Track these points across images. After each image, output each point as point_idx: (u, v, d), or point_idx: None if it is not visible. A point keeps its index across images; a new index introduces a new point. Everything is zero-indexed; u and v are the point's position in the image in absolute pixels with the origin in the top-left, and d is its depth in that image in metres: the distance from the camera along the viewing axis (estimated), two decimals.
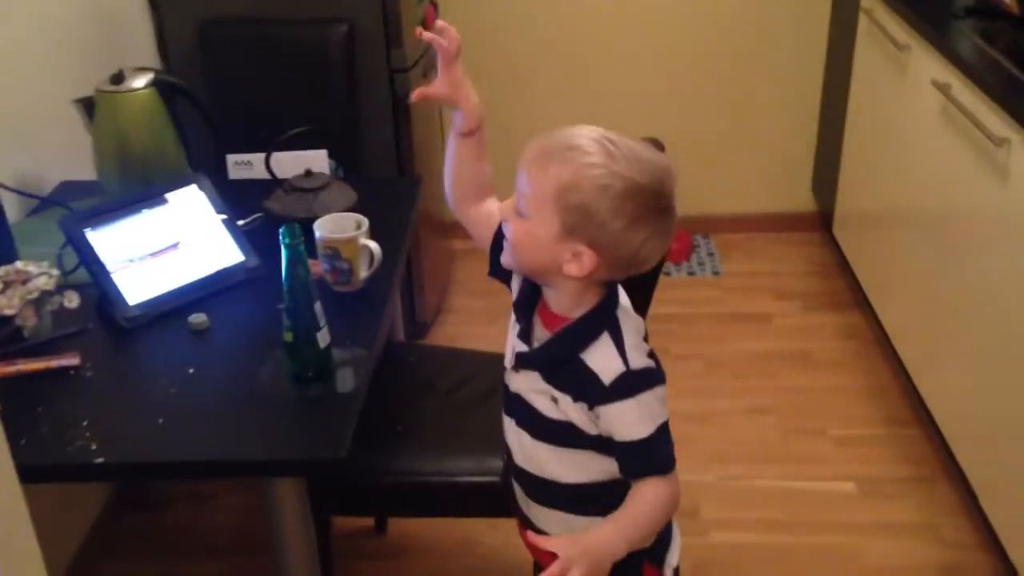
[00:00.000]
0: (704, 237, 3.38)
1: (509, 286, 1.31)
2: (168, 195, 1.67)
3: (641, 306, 1.41)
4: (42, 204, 1.89)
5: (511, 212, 1.19)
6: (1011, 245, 1.90)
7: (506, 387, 1.31)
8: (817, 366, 2.71)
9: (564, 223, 1.13)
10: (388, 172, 2.66)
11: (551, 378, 1.21)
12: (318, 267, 1.64)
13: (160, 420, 1.33)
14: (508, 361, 1.29)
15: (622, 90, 3.22)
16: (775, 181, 3.36)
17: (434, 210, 2.89)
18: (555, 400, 1.21)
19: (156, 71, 1.87)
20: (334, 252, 1.59)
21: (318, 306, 1.38)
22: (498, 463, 1.62)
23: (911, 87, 2.40)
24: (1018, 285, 1.88)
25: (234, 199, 1.79)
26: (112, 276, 1.56)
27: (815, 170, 3.31)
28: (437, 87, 1.28)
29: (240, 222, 1.74)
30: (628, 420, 1.17)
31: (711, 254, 3.30)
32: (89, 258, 1.56)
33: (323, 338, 1.40)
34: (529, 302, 1.26)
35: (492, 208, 1.31)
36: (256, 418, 1.35)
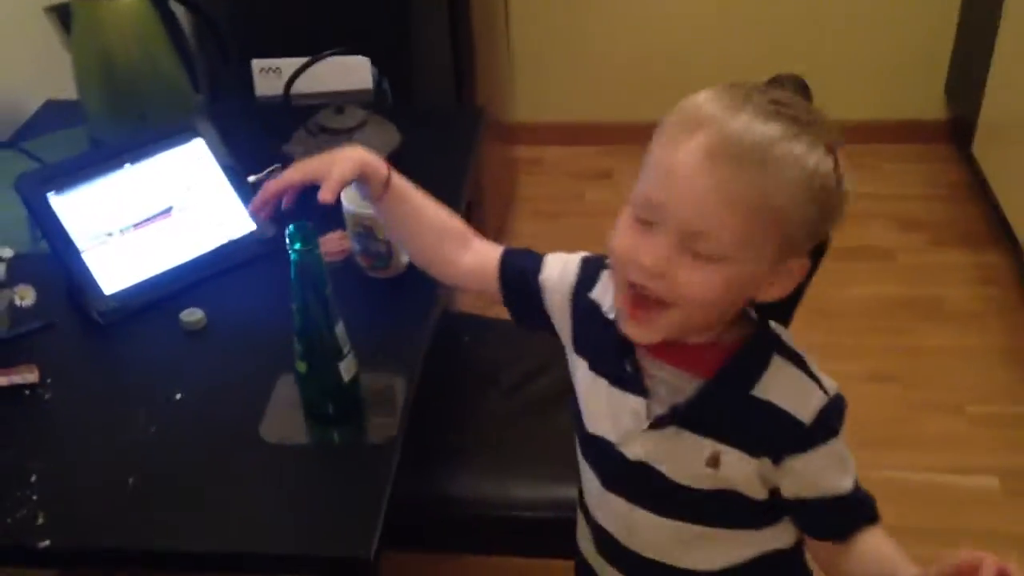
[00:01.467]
0: None
1: (547, 328, 1.00)
2: (158, 150, 1.29)
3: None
4: None
5: (676, 262, 0.81)
6: None
7: (601, 459, 0.95)
8: (949, 318, 2.28)
9: (782, 244, 0.81)
10: (443, 76, 2.24)
11: (714, 430, 0.87)
12: (345, 242, 1.26)
13: (130, 480, 1.00)
14: (611, 430, 0.93)
15: None
16: (898, 80, 2.83)
17: (494, 108, 2.47)
18: (714, 462, 0.87)
19: None
20: (368, 231, 1.21)
21: (340, 327, 1.02)
22: (573, 492, 1.28)
23: None
24: None
25: (252, 136, 1.40)
26: (83, 256, 1.20)
27: (952, 68, 2.77)
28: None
29: (251, 177, 1.36)
30: (835, 467, 0.88)
31: None
32: (53, 232, 1.20)
33: (347, 369, 1.03)
34: (608, 339, 0.90)
35: (479, 248, 1.03)
36: (256, 482, 1.01)
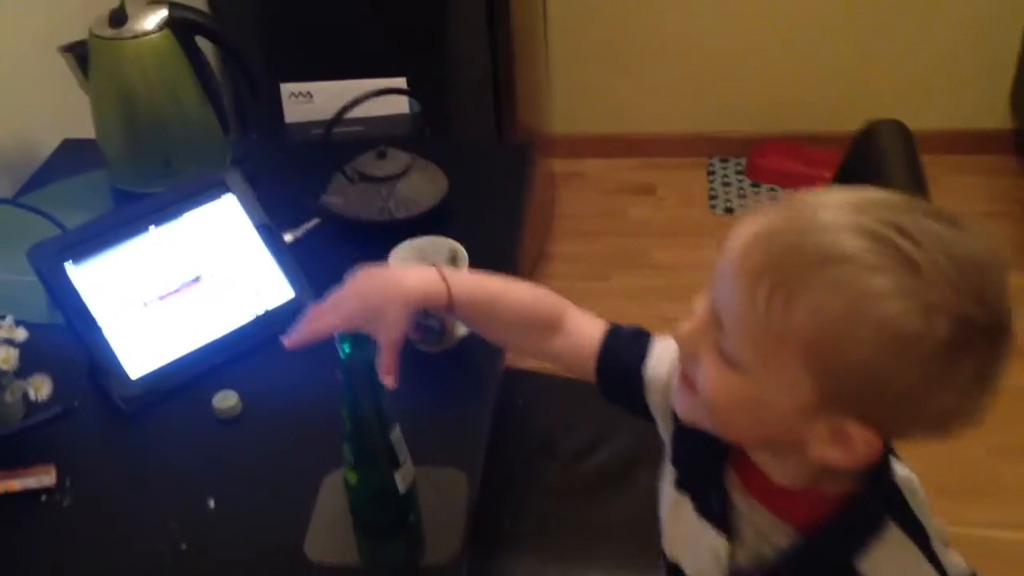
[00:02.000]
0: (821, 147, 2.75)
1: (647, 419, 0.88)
2: (185, 210, 1.16)
3: None
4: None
5: (703, 346, 0.69)
6: None
7: None
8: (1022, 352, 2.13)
9: (823, 390, 0.65)
10: (481, 89, 2.11)
11: None
12: None
13: None
14: (689, 562, 0.82)
15: None
16: (961, 87, 2.67)
17: (528, 120, 2.33)
18: None
19: (171, 2, 1.33)
20: None
21: (397, 433, 0.89)
22: None
23: None
24: None
25: (284, 181, 1.28)
26: (105, 334, 1.08)
27: (1019, 75, 2.61)
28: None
29: (288, 236, 1.24)
30: None
31: None
32: (72, 308, 1.08)
33: (403, 478, 0.91)
34: (706, 456, 0.78)
35: (574, 330, 0.92)
36: None
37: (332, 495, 0.96)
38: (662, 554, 0.88)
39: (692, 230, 2.58)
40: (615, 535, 1.24)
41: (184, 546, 0.93)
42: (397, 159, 1.32)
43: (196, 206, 1.16)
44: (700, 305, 0.71)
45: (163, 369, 1.09)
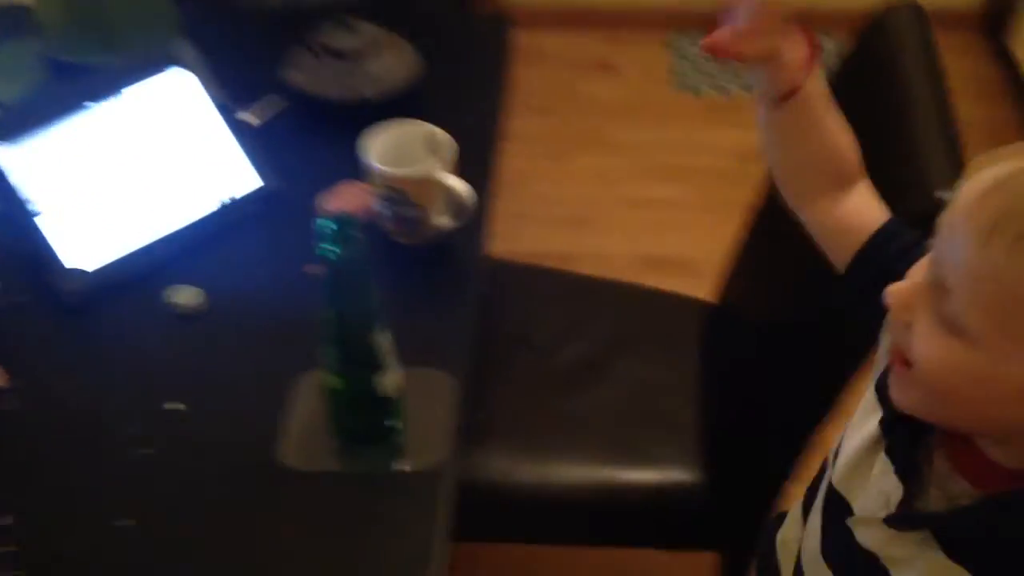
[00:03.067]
0: (827, 35, 2.68)
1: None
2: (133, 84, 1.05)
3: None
4: None
5: (920, 312, 0.62)
6: None
7: (830, 522, 0.78)
8: None
9: None
10: None
11: (971, 560, 0.66)
12: (368, 199, 1.05)
13: (121, 523, 0.82)
14: (855, 496, 0.75)
15: None
16: None
17: None
18: None
19: None
20: (401, 195, 1.00)
21: (387, 336, 0.83)
22: (614, 474, 1.15)
23: None
24: None
25: (237, 57, 1.17)
26: (44, 222, 0.99)
27: None
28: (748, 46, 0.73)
29: (251, 117, 1.13)
30: None
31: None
32: (4, 194, 0.98)
33: (391, 382, 0.85)
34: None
35: (859, 201, 0.79)
36: (279, 520, 0.84)
37: (307, 399, 0.90)
38: (825, 479, 0.80)
39: (652, 108, 2.51)
40: (591, 426, 1.21)
41: (146, 451, 0.87)
42: (364, 32, 1.21)
43: (142, 79, 1.05)
44: (917, 273, 0.64)
45: (117, 263, 1.00)
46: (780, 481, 1.09)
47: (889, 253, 0.75)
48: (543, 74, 2.63)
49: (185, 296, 0.99)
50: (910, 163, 0.89)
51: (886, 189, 0.81)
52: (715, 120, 2.45)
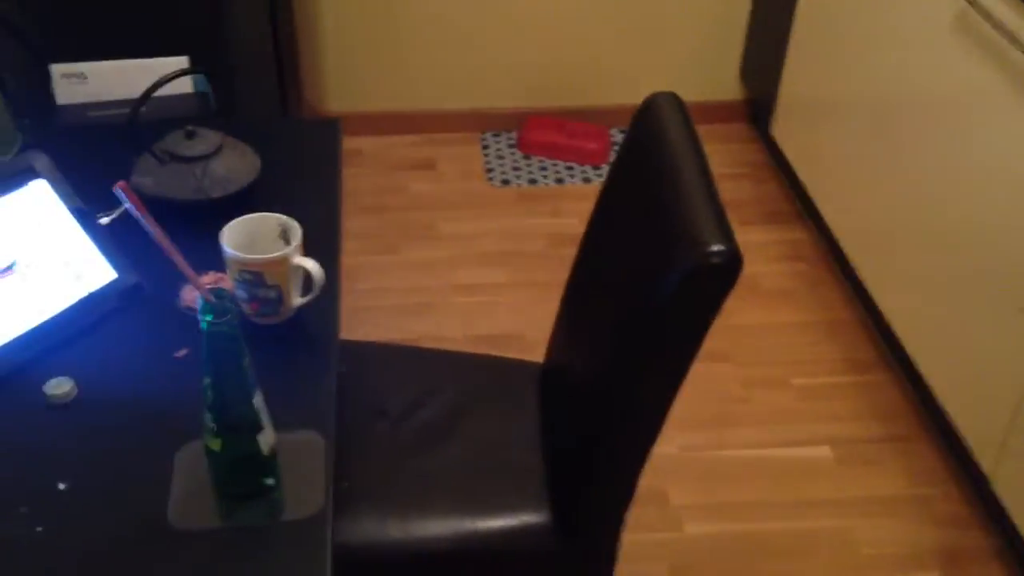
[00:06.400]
0: (623, 132, 2.99)
1: None
2: None
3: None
4: None
5: None
6: (986, 142, 1.75)
7: None
8: (767, 296, 2.43)
9: None
10: (262, 67, 2.11)
11: None
12: (225, 282, 1.16)
13: None
14: None
15: None
16: (698, 65, 2.97)
17: (310, 97, 2.35)
18: None
19: None
20: (256, 277, 1.11)
21: (259, 398, 0.93)
22: (475, 523, 1.26)
23: None
24: (994, 184, 1.73)
25: (88, 167, 1.25)
26: None
27: (747, 51, 2.93)
28: None
29: (103, 218, 1.22)
30: None
31: None
32: None
33: (266, 441, 0.95)
34: None
35: None
36: None
37: (189, 465, 0.98)
38: None
39: (473, 202, 2.71)
40: (447, 482, 1.33)
41: (40, 529, 0.92)
42: (207, 138, 1.32)
43: (3, 193, 1.12)
44: None
45: None
46: (622, 506, 1.24)
47: None
48: (369, 175, 2.80)
49: (55, 387, 1.05)
50: (680, 218, 1.09)
51: (660, 241, 1.00)
52: (527, 210, 2.68)
